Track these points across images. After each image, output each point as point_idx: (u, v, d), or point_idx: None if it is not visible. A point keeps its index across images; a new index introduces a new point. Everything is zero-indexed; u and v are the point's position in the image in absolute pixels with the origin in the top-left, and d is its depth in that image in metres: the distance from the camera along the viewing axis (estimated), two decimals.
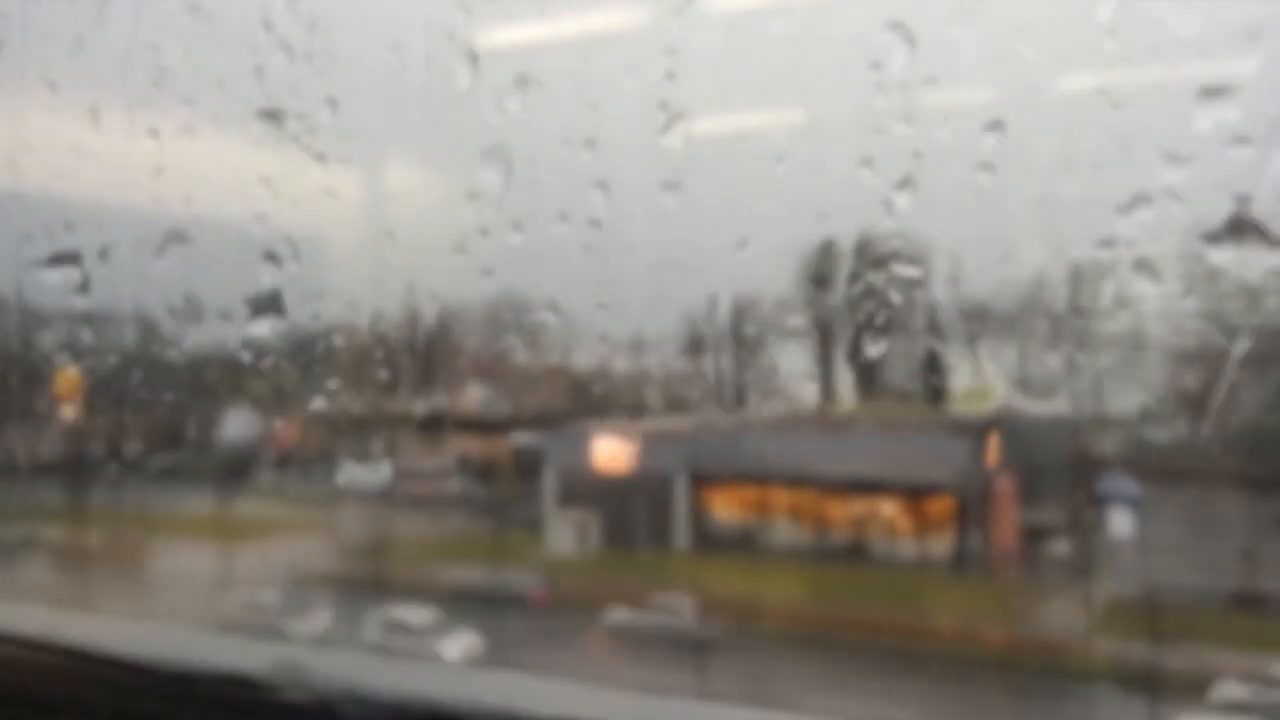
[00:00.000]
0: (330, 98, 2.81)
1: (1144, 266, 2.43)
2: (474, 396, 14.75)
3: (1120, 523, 11.78)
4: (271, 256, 2.89)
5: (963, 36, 2.62)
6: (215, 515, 14.32)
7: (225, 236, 3.16)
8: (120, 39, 3.03)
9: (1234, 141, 2.08)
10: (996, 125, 2.78)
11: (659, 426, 13.89)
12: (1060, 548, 12.22)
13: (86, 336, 3.92)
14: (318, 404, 4.37)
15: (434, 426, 13.77)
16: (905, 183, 2.55)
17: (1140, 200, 2.20)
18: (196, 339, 3.76)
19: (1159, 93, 2.23)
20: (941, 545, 12.95)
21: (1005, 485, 12.44)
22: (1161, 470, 10.76)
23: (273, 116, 2.80)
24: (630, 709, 1.91)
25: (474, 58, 2.62)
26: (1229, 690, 9.50)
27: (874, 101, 2.46)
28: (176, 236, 3.10)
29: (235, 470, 14.12)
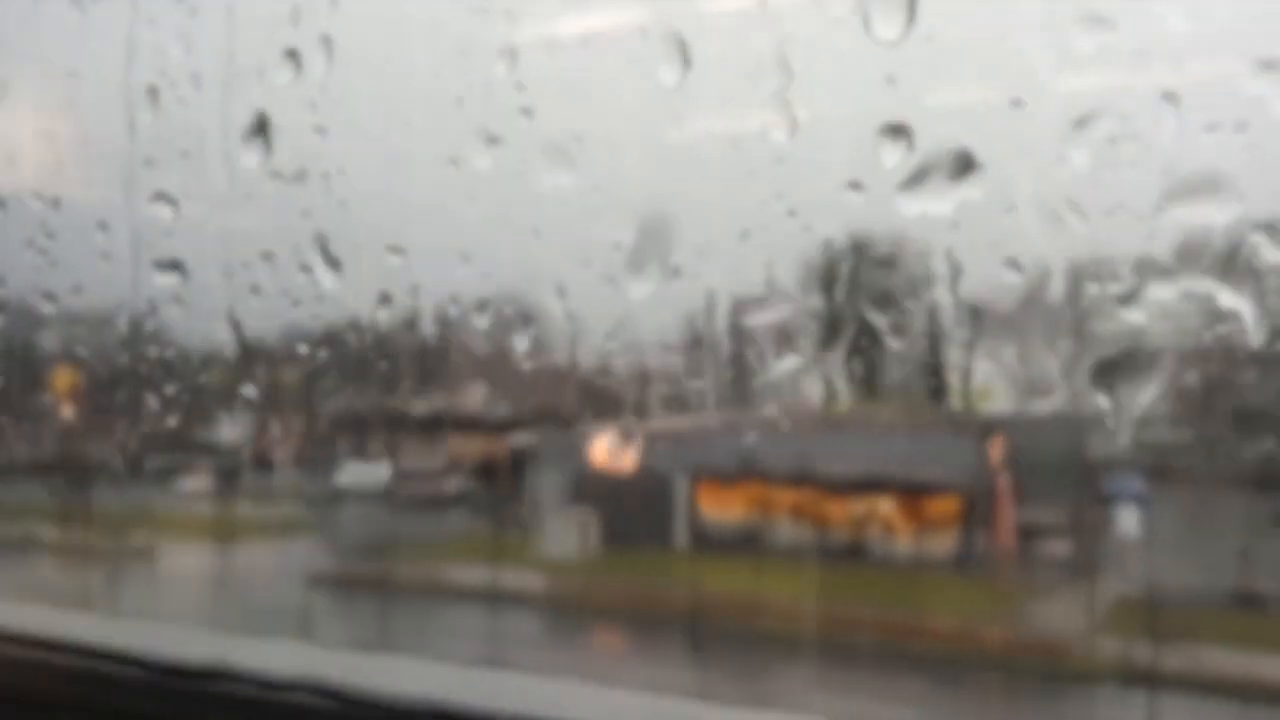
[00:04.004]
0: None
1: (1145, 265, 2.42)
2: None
3: (1127, 521, 11.71)
4: None
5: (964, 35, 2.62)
6: None
7: None
8: None
9: None
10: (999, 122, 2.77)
11: (659, 426, 13.87)
12: (1066, 547, 12.18)
13: None
14: None
15: None
16: (907, 182, 2.54)
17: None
18: None
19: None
20: (944, 544, 12.92)
21: (1008, 484, 12.41)
22: (1167, 470, 10.72)
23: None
24: (630, 709, 1.90)
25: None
26: None
27: (876, 100, 2.45)
28: None
29: None
